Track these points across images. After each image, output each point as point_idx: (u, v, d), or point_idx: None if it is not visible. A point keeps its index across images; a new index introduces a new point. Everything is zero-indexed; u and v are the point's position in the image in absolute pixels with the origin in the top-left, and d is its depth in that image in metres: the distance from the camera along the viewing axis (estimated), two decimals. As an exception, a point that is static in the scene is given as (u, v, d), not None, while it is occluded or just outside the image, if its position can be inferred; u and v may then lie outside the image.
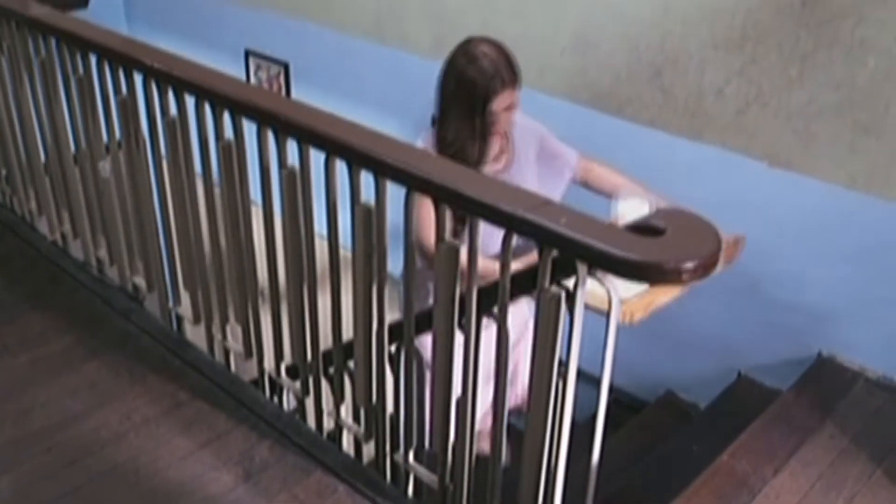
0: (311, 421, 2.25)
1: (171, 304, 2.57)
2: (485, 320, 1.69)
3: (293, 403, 2.34)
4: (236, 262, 2.19)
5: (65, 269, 2.88)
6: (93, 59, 2.38)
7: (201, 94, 2.05)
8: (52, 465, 2.10)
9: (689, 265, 1.30)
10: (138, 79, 2.24)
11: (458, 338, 1.71)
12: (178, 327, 2.60)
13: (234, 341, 2.40)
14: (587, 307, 1.50)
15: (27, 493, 2.03)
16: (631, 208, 2.40)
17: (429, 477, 1.98)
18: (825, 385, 2.92)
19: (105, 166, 2.55)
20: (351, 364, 2.06)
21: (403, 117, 3.82)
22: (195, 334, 2.55)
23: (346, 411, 2.18)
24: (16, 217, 3.16)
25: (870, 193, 2.70)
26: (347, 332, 2.00)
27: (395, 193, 1.71)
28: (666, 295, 2.35)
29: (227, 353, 2.45)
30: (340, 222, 1.88)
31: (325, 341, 2.10)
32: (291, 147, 1.88)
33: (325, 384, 2.18)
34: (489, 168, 2.45)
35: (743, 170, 2.96)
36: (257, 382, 2.38)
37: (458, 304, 1.66)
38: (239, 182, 2.07)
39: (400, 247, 1.77)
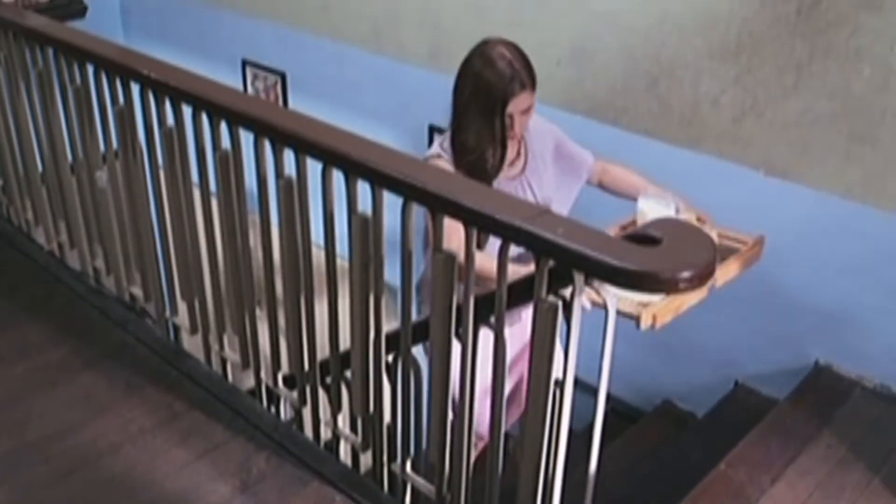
0: (309, 431, 2.24)
1: (168, 313, 2.56)
2: (485, 332, 1.69)
3: (290, 413, 2.34)
4: (233, 271, 2.19)
5: (61, 279, 2.88)
6: (90, 70, 2.38)
7: (198, 104, 2.06)
8: (49, 476, 2.09)
9: (686, 274, 1.30)
10: (135, 89, 2.25)
11: (456, 347, 1.71)
12: (175, 337, 2.60)
13: (232, 351, 2.40)
14: (619, 313, 1.46)
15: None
16: (654, 207, 2.37)
17: (426, 487, 1.97)
18: (822, 394, 2.92)
19: (102, 176, 2.55)
20: (348, 374, 2.06)
21: (400, 126, 3.83)
22: (192, 344, 2.54)
23: (343, 421, 2.17)
24: (12, 227, 3.15)
25: (866, 203, 2.71)
26: (344, 342, 2.00)
27: (392, 203, 1.72)
28: (695, 297, 2.18)
29: (224, 363, 2.45)
30: (337, 232, 1.88)
31: (323, 351, 2.10)
32: (288, 157, 1.89)
33: (322, 394, 2.18)
34: (506, 172, 2.40)
35: (739, 179, 2.97)
36: (254, 392, 2.37)
37: (456, 313, 1.66)
38: (236, 192, 2.07)
39: (397, 256, 1.77)
